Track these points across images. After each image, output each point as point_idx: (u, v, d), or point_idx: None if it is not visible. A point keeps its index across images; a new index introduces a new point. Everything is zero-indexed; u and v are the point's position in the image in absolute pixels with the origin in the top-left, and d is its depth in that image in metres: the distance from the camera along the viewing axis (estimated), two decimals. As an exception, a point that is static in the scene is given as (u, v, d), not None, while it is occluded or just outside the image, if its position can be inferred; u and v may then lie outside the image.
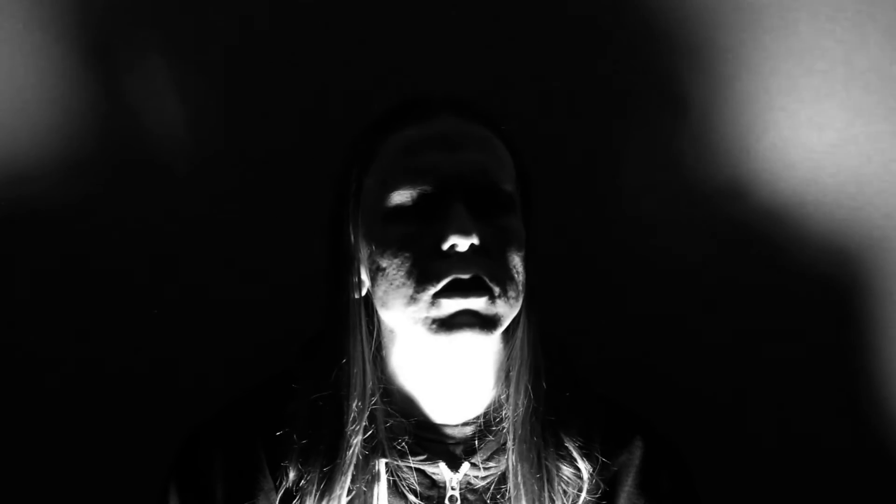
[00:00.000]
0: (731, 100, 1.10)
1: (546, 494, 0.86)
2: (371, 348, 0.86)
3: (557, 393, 0.89)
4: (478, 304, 0.79)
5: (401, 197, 0.82)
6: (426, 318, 0.80)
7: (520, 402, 0.86)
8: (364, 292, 0.86)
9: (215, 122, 1.11)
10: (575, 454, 0.87)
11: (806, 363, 1.14)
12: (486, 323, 0.80)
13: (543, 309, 0.88)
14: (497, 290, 0.80)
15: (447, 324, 0.79)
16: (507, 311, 0.82)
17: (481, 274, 0.79)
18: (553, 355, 0.90)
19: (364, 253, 0.85)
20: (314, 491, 0.84)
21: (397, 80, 1.10)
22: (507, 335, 0.88)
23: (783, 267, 1.12)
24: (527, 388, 0.86)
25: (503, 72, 1.11)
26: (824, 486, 1.14)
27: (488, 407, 0.89)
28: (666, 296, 1.14)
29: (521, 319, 0.86)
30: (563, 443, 0.88)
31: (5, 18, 1.07)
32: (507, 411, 0.87)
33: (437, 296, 0.79)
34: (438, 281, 0.79)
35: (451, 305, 0.79)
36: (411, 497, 0.86)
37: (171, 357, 1.13)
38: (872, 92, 1.10)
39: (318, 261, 0.91)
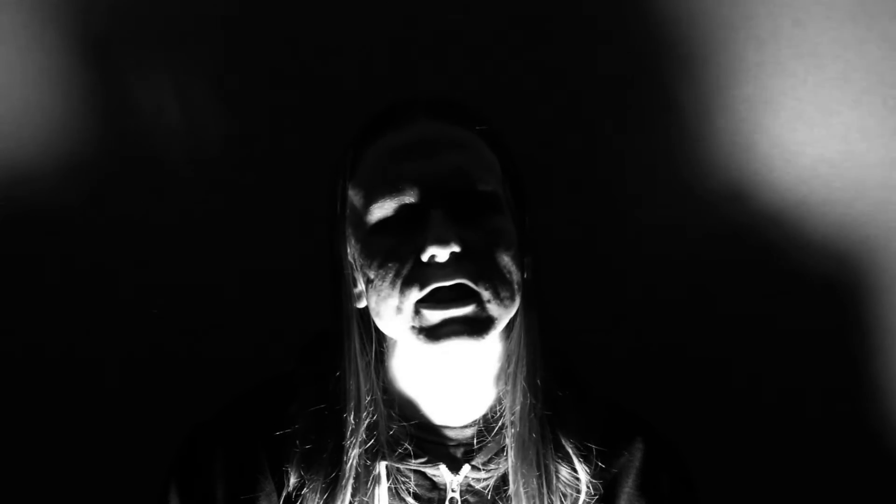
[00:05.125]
0: (732, 102, 1.10)
1: (545, 493, 0.86)
2: (370, 358, 0.86)
3: (555, 390, 0.88)
4: (463, 311, 0.79)
5: (382, 210, 0.81)
6: (413, 327, 0.80)
7: (517, 399, 0.86)
8: (364, 303, 0.86)
9: (216, 122, 1.11)
10: (573, 457, 0.87)
11: (807, 364, 1.14)
12: (476, 328, 0.79)
13: (543, 307, 0.88)
14: (486, 293, 0.79)
15: (433, 333, 0.79)
16: (502, 312, 0.81)
17: (466, 280, 0.79)
18: (553, 353, 0.90)
19: (357, 264, 0.85)
20: (317, 499, 0.84)
21: (399, 79, 1.10)
22: (506, 336, 0.88)
23: (783, 269, 1.12)
24: (524, 385, 0.86)
25: (500, 76, 1.11)
26: (825, 487, 1.15)
27: (489, 409, 0.89)
28: (665, 298, 1.14)
29: (519, 318, 0.86)
30: (561, 444, 0.87)
31: (6, 17, 1.07)
32: (505, 407, 0.87)
33: (420, 305, 0.79)
34: (420, 291, 0.79)
35: (433, 316, 0.79)
36: (411, 500, 0.86)
37: (172, 356, 1.13)
38: (873, 94, 1.09)
39: (319, 261, 0.91)
